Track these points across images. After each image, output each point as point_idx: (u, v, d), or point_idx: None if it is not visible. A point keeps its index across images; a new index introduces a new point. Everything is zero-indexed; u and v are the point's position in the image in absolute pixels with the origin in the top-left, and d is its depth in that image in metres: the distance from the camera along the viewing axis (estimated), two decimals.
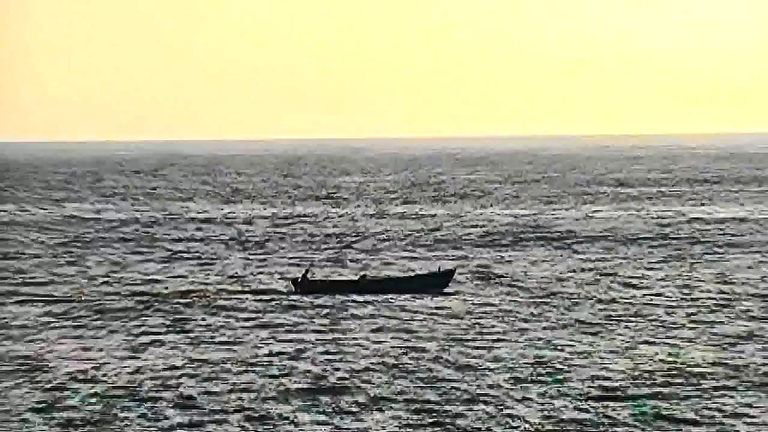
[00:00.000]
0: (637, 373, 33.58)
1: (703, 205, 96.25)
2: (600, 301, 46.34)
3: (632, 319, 41.76)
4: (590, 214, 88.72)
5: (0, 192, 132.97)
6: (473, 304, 45.24)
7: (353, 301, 45.96)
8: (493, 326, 40.15)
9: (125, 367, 33.48)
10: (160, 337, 37.75)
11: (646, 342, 38.07)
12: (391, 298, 46.56)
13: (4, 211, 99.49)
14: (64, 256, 61.37)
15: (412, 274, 54.00)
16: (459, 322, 40.71)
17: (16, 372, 33.30)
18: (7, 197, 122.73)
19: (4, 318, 42.14)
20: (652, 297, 47.26)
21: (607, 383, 31.85)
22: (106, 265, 57.58)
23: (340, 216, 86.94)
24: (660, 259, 59.89)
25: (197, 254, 62.19)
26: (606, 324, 40.61)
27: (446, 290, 48.76)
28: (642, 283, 51.42)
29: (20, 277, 53.80)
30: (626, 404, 29.83)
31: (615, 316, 42.46)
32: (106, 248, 65.85)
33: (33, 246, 68.95)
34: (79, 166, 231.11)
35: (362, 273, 52.06)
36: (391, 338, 38.03)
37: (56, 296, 47.36)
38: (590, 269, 55.87)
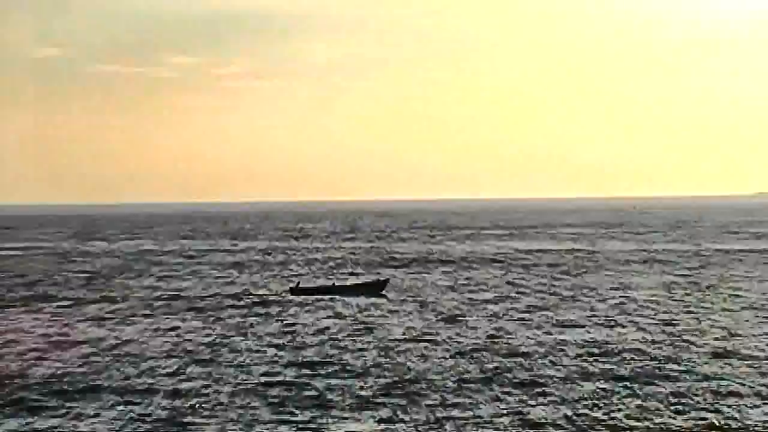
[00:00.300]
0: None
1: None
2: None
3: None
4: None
5: None
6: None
7: (323, 298, 63.50)
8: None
9: None
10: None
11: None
12: (344, 297, 64.07)
13: None
14: None
15: (363, 281, 71.10)
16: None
17: None
18: None
19: None
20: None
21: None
22: None
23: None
24: None
25: None
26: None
27: (383, 293, 66.34)
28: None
29: None
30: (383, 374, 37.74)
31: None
32: None
33: None
34: None
35: (332, 281, 72.32)
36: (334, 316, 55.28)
37: None
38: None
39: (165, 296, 68.64)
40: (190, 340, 47.42)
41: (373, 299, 64.42)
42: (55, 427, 29.82)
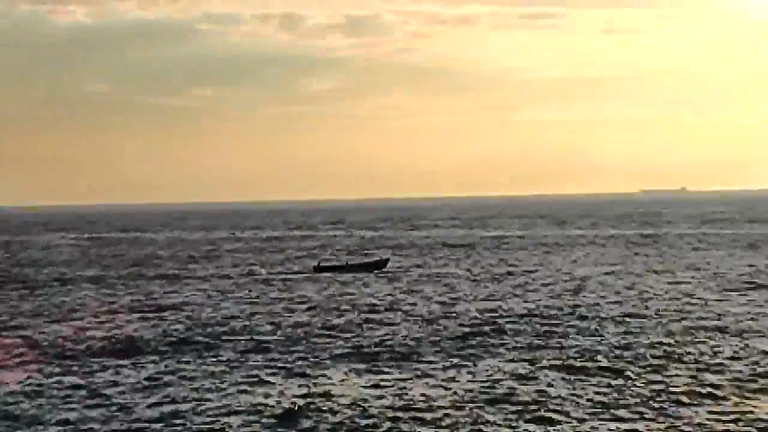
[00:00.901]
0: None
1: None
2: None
3: None
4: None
5: None
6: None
7: (339, 274, 63.33)
8: None
9: None
10: None
11: None
12: (356, 274, 63.55)
13: None
14: None
15: (369, 260, 70.79)
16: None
17: None
18: None
19: None
20: None
21: None
22: None
23: None
24: None
25: None
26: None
27: (385, 269, 65.86)
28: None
29: None
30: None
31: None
32: None
33: None
34: None
35: (346, 261, 71.38)
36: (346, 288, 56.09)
37: None
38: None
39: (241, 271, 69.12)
40: (251, 304, 48.82)
41: (377, 274, 64.83)
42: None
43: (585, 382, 27.35)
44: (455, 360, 30.71)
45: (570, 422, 23.05)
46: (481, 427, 22.64)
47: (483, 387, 26.76)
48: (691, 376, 28.12)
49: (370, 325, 39.20)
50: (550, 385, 26.93)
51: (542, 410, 24.08)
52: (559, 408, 24.40)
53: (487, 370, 28.95)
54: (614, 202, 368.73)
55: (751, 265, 66.14)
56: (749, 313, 41.46)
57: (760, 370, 28.84)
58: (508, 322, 38.92)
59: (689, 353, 31.67)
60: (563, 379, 27.74)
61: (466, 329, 37.14)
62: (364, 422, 23.25)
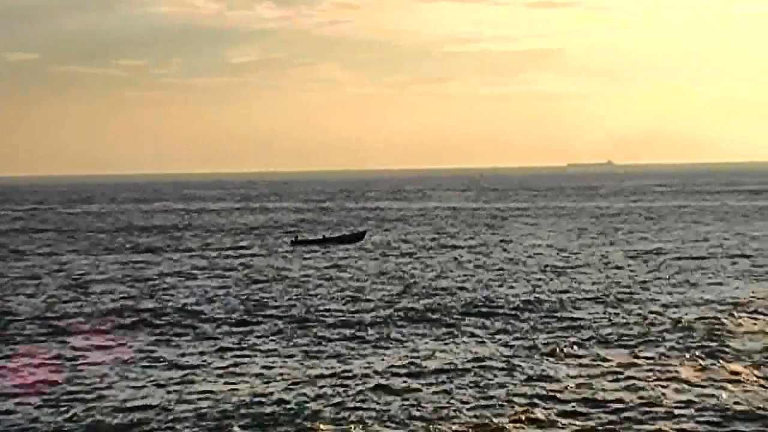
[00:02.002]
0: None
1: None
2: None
3: None
4: None
5: None
6: None
7: (316, 247, 62.01)
8: None
9: None
10: None
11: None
12: (334, 246, 62.75)
13: None
14: None
15: (346, 233, 69.80)
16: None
17: None
18: None
19: None
20: None
21: None
22: None
23: None
24: None
25: None
26: None
27: (360, 243, 64.75)
28: None
29: None
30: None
31: None
32: None
33: None
34: None
35: (323, 234, 70.37)
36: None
37: None
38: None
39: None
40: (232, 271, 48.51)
41: (354, 246, 64.27)
42: None
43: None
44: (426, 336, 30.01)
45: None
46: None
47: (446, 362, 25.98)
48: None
49: (350, 300, 38.25)
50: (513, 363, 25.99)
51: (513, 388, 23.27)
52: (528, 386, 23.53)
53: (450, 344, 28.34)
54: (546, 177, 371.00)
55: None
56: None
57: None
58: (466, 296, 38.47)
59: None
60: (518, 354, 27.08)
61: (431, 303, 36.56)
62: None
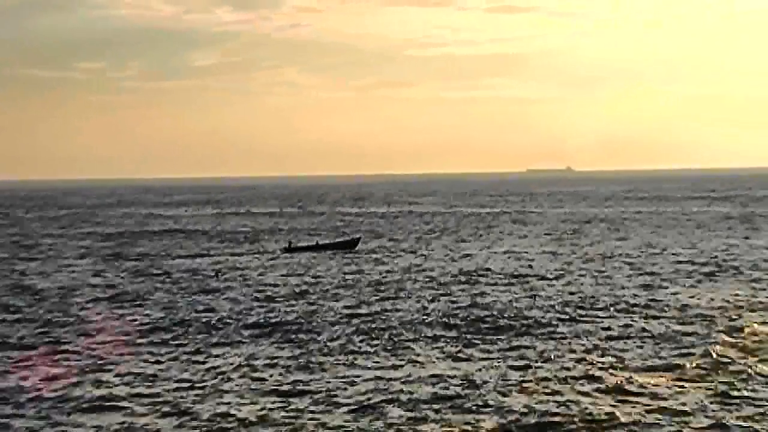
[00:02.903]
0: None
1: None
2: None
3: None
4: None
5: None
6: None
7: (317, 254, 61.53)
8: None
9: None
10: None
11: None
12: (327, 252, 63.10)
13: None
14: None
15: (341, 240, 69.93)
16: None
17: None
18: None
19: None
20: None
21: None
22: None
23: None
24: None
25: None
26: None
27: (356, 249, 64.67)
28: None
29: None
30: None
31: None
32: None
33: None
34: None
35: (316, 241, 69.45)
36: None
37: None
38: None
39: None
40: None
41: (348, 252, 63.75)
42: None
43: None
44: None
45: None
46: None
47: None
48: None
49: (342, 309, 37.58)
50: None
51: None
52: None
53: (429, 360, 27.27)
54: (503, 182, 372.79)
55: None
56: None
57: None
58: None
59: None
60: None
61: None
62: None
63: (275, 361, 27.31)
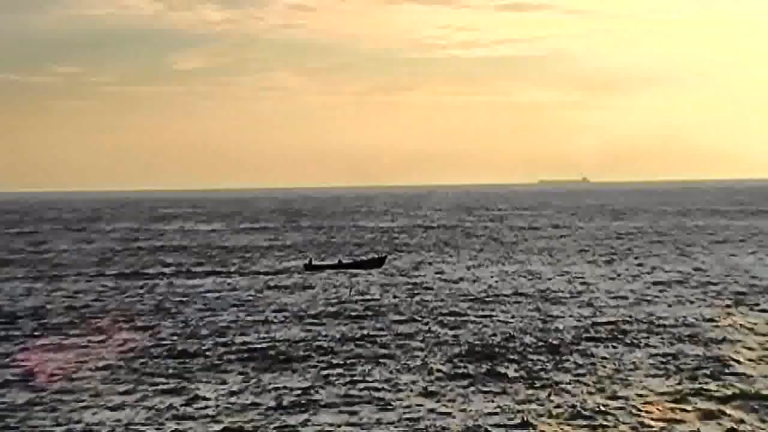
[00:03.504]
0: None
1: None
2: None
3: None
4: None
5: None
6: None
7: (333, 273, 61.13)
8: None
9: None
10: None
11: None
12: (353, 270, 62.66)
13: None
14: None
15: (367, 258, 69.45)
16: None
17: None
18: None
19: None
20: None
21: None
22: None
23: None
24: None
25: None
26: None
27: (382, 267, 64.03)
28: None
29: None
30: None
31: None
32: None
33: None
34: None
35: (339, 259, 68.89)
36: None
37: None
38: None
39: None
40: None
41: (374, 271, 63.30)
42: None
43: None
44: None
45: None
46: None
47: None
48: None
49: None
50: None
51: None
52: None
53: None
54: (514, 193, 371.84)
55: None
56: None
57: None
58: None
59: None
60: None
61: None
62: None
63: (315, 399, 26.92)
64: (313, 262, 66.24)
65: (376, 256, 70.31)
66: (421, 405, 25.57)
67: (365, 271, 63.63)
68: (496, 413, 24.60)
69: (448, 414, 24.65)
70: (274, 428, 23.66)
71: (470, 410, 24.96)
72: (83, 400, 27.01)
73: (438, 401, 25.98)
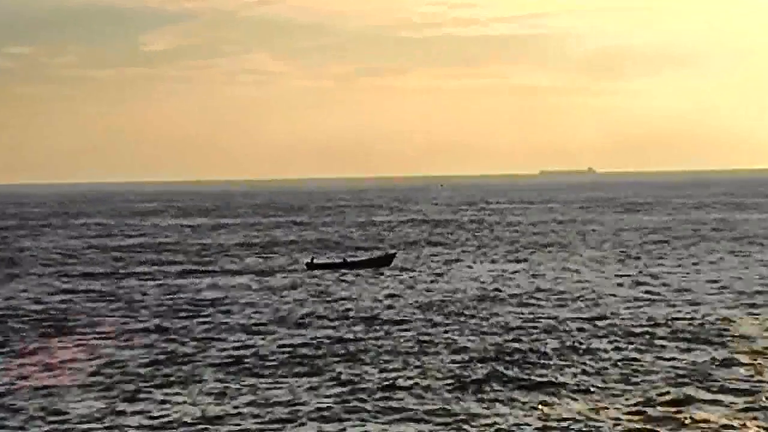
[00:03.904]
0: None
1: None
2: None
3: None
4: None
5: None
6: None
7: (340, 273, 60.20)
8: None
9: None
10: None
11: None
12: (360, 270, 61.67)
13: None
14: None
15: (374, 256, 68.72)
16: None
17: None
18: None
19: None
20: None
21: None
22: None
23: None
24: None
25: None
26: None
27: (391, 266, 63.66)
28: None
29: None
30: None
31: None
32: None
33: None
34: None
35: (343, 257, 68.01)
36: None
37: None
38: None
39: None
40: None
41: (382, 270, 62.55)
42: None
43: None
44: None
45: None
46: None
47: None
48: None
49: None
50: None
51: None
52: None
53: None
54: (513, 186, 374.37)
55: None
56: None
57: None
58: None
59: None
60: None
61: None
62: None
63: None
64: (315, 261, 65.20)
65: (384, 253, 69.50)
66: (428, 409, 25.76)
67: (372, 270, 62.95)
68: (501, 417, 24.95)
69: (451, 416, 25.00)
70: None
71: (474, 414, 25.28)
72: (43, 410, 26.53)
73: (447, 405, 26.16)
